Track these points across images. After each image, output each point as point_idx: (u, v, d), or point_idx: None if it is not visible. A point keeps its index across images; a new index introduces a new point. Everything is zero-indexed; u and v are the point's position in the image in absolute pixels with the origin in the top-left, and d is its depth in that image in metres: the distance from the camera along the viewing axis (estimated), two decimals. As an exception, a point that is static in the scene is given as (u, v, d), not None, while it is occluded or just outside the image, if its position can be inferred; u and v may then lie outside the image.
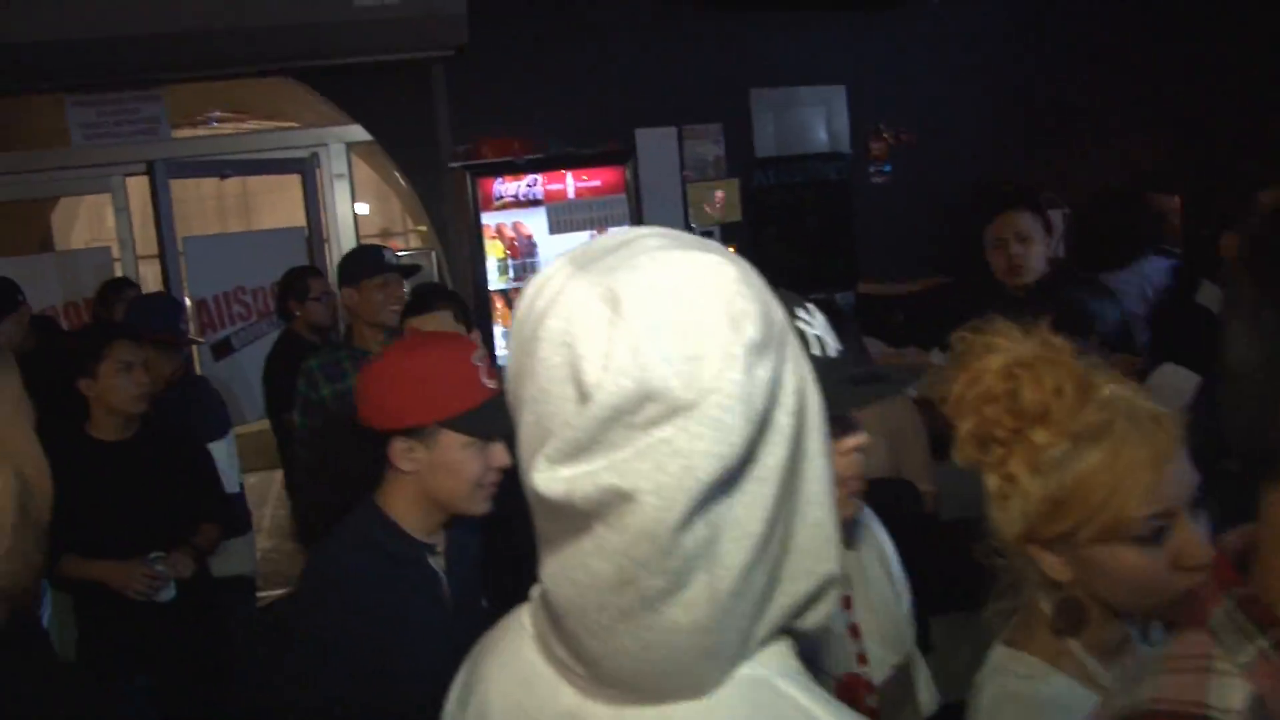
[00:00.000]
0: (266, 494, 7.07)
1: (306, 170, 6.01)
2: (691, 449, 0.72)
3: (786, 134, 6.47)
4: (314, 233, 6.06)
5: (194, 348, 5.87)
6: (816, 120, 6.53)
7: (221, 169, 5.98)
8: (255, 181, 7.97)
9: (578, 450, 0.74)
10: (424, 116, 5.89)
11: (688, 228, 6.28)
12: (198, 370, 5.75)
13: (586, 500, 0.74)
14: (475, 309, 5.48)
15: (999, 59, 6.55)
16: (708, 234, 6.34)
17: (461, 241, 5.75)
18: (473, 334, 2.84)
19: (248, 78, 5.87)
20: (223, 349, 6.07)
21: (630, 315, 0.73)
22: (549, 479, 0.75)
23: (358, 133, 5.98)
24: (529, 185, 5.51)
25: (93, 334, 3.90)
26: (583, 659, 0.81)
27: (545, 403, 0.77)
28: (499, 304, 5.56)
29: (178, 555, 3.19)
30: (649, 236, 0.83)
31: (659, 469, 0.72)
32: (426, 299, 3.16)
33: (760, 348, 0.74)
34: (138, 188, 5.99)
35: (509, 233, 5.58)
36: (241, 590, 4.16)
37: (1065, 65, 6.60)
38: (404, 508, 1.75)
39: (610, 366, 0.72)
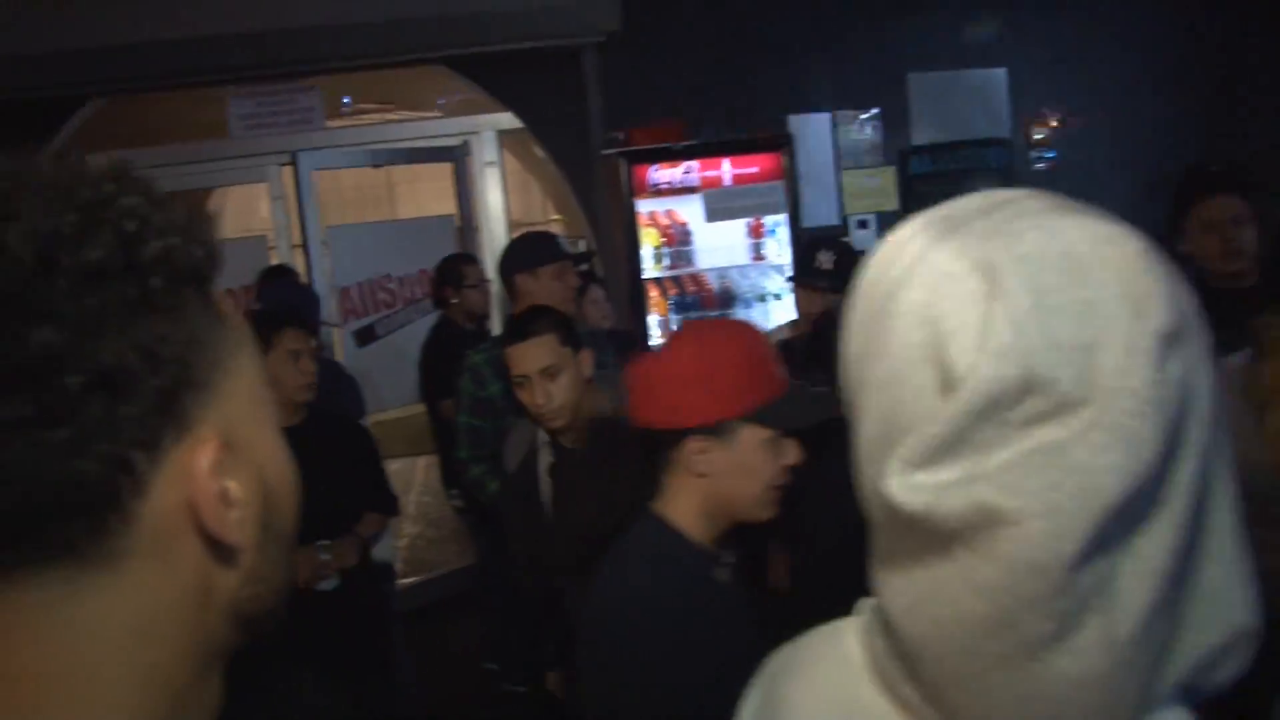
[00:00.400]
0: (411, 480, 7.12)
1: (458, 158, 5.99)
2: (1094, 463, 0.58)
3: (944, 119, 6.21)
4: (465, 221, 6.04)
5: (338, 335, 5.92)
6: (975, 105, 6.25)
7: (374, 158, 6.01)
8: (396, 171, 8.04)
9: (941, 451, 0.62)
10: (575, 103, 5.82)
11: (842, 217, 6.11)
12: (339, 357, 5.80)
13: (954, 519, 0.62)
14: (629, 298, 5.39)
15: (1179, 32, 6.18)
16: (862, 224, 6.15)
17: (613, 230, 5.66)
18: (581, 356, 2.66)
19: (400, 67, 5.89)
20: (366, 336, 6.12)
21: (1011, 290, 0.61)
22: (907, 487, 0.63)
23: (506, 121, 5.94)
24: (685, 172, 5.38)
25: (260, 322, 3.92)
26: (941, 707, 0.67)
27: (897, 388, 0.65)
28: (653, 292, 5.45)
29: (343, 544, 3.16)
30: (1028, 199, 0.69)
31: (1052, 486, 0.59)
32: (526, 325, 2.74)
33: (1171, 339, 0.60)
34: (293, 178, 6.06)
35: (663, 220, 5.46)
36: (381, 577, 4.14)
37: (1259, 38, 6.18)
38: (690, 518, 1.59)
39: (987, 348, 0.60)
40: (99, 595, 0.58)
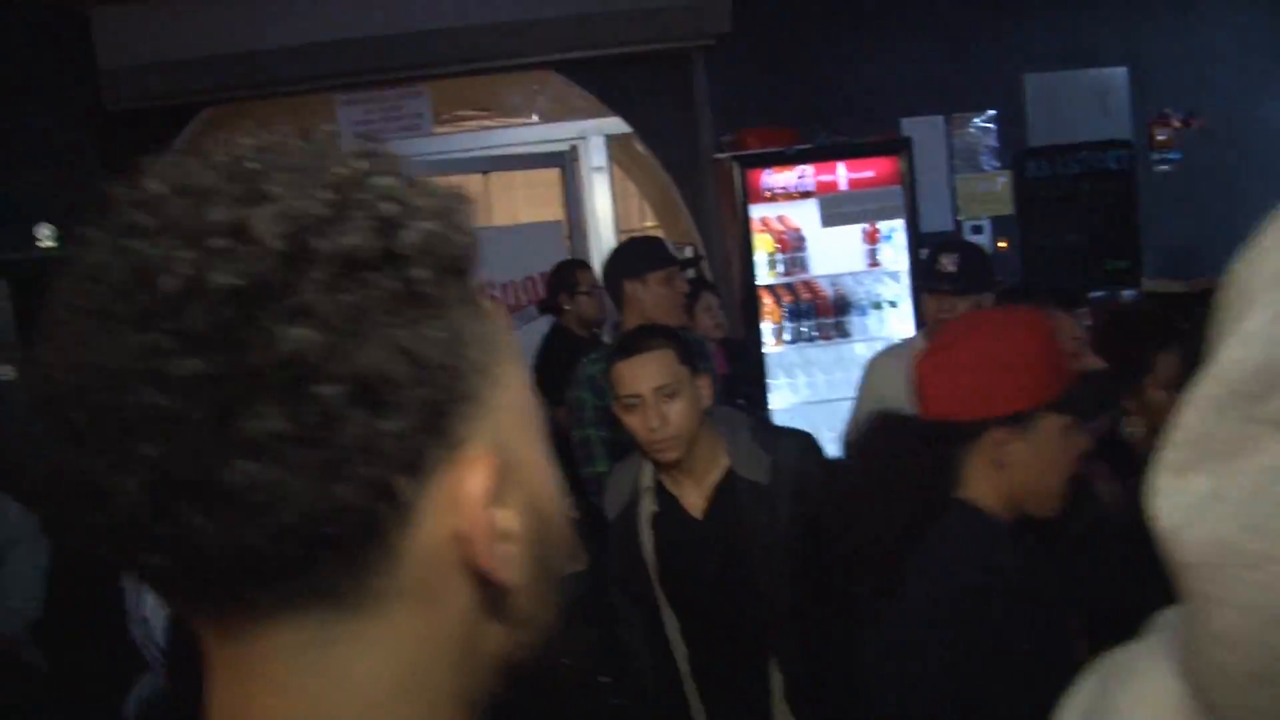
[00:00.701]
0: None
1: (566, 164, 5.95)
2: None
3: (1062, 121, 6.02)
4: (573, 226, 6.00)
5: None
6: (1094, 106, 6.05)
7: (478, 165, 6.00)
8: (491, 178, 8.04)
9: (1188, 451, 0.53)
10: (684, 107, 5.75)
11: (955, 222, 5.95)
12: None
13: (1193, 551, 0.52)
14: (741, 305, 5.29)
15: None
16: (976, 229, 5.98)
17: (724, 235, 5.57)
18: (700, 381, 2.35)
19: (509, 72, 5.87)
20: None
21: None
22: (1162, 498, 0.54)
23: (610, 125, 5.88)
24: (799, 176, 5.27)
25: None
26: None
27: None
28: (766, 299, 5.34)
29: None
30: None
31: None
32: (639, 338, 2.47)
33: None
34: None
35: (776, 226, 5.36)
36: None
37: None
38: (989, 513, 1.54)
39: (1238, 329, 0.52)
40: (354, 642, 0.51)
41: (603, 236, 5.91)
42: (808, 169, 5.27)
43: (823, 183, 5.31)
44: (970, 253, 3.42)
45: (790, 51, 5.73)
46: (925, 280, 3.64)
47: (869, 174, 5.34)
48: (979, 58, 5.92)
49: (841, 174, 5.31)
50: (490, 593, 0.54)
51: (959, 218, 5.95)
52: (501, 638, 0.56)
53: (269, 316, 0.45)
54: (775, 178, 5.28)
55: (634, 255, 3.57)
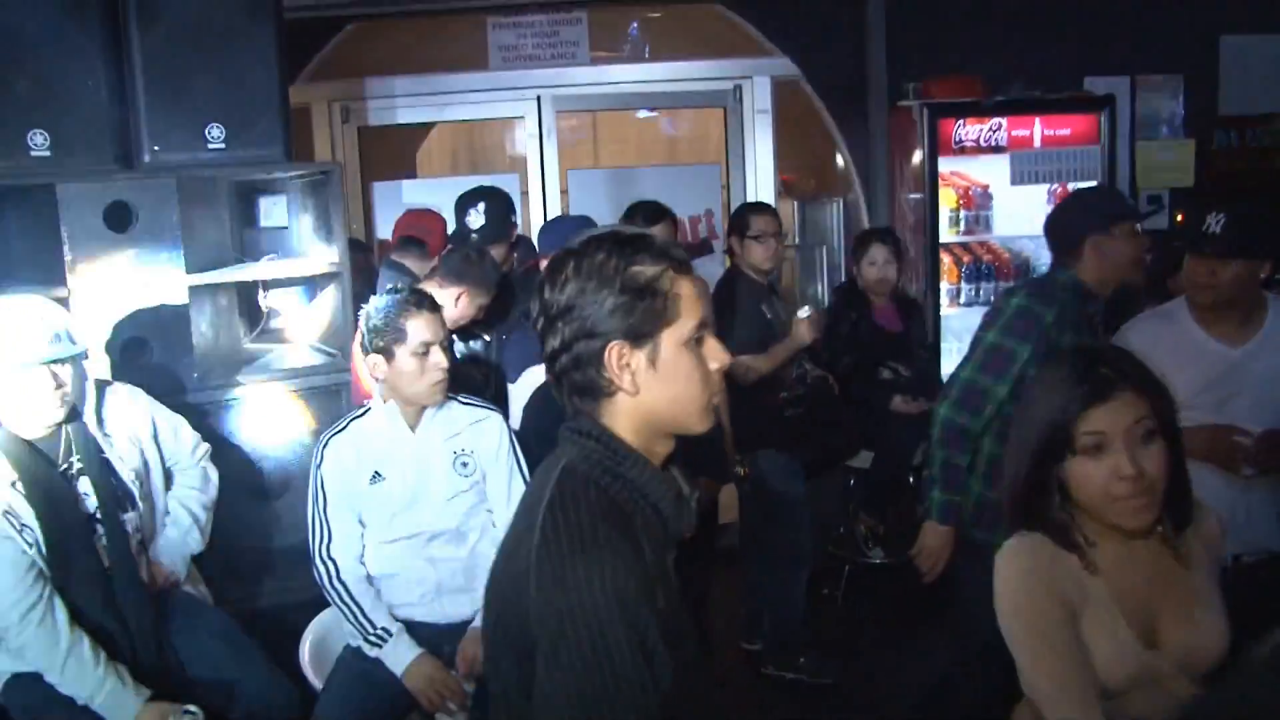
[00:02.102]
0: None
1: (729, 104, 5.62)
2: None
3: (1257, 89, 5.63)
4: (731, 171, 5.69)
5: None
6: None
7: (640, 101, 5.70)
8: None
9: None
10: (854, 52, 5.41)
11: (1133, 191, 5.59)
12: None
13: None
14: (923, 264, 4.99)
15: None
16: (1153, 199, 5.62)
17: (892, 189, 5.25)
18: None
19: (673, 3, 5.55)
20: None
21: None
22: None
23: (780, 67, 5.55)
24: (992, 130, 4.93)
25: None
26: None
27: None
28: (945, 259, 5.03)
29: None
30: None
31: None
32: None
33: None
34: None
35: (959, 181, 5.03)
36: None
37: None
38: None
39: None
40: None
41: (760, 182, 5.58)
42: (1002, 122, 4.94)
43: (1016, 138, 4.98)
44: (1242, 212, 3.06)
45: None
46: (1189, 242, 3.27)
47: (1065, 131, 4.99)
48: (1172, 15, 5.53)
49: (1037, 130, 4.97)
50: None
51: (1138, 186, 5.59)
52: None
53: None
54: (965, 130, 4.95)
55: (1096, 206, 3.13)
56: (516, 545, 1.35)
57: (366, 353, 2.66)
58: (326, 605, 2.82)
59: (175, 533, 2.80)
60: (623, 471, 1.36)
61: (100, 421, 2.63)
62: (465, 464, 2.73)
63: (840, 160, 5.94)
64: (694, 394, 1.39)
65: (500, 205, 4.03)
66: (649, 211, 3.94)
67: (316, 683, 2.73)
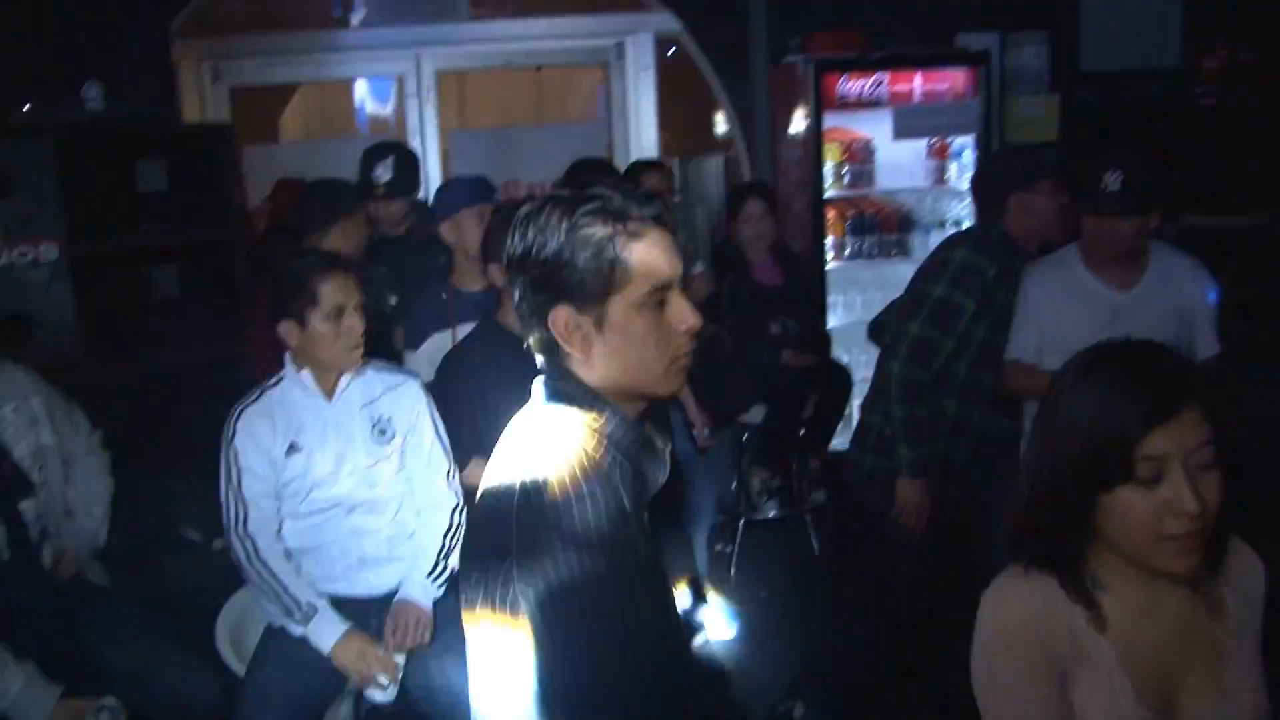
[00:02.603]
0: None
1: (610, 62, 5.56)
2: None
3: (1116, 43, 5.85)
4: (613, 129, 5.65)
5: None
6: (1152, 32, 5.89)
7: (520, 58, 5.58)
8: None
9: None
10: (737, 7, 5.41)
11: (1002, 143, 5.76)
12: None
13: None
14: (809, 219, 5.05)
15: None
16: (1019, 151, 5.81)
17: (774, 144, 5.29)
18: None
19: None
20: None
21: None
22: None
23: (662, 23, 5.51)
24: (875, 84, 5.01)
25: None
26: None
27: None
28: (830, 213, 5.10)
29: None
30: None
31: None
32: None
33: None
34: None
35: (844, 136, 5.10)
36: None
37: None
38: None
39: None
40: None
41: (643, 142, 5.56)
42: (883, 77, 5.02)
43: (896, 93, 5.08)
44: (1138, 166, 3.15)
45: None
46: (1085, 198, 3.33)
47: (944, 86, 5.12)
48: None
49: (918, 85, 5.08)
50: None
51: (1006, 139, 5.77)
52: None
53: None
54: (849, 86, 5.01)
55: (1020, 164, 3.30)
56: (495, 502, 1.32)
57: (276, 320, 2.54)
58: (239, 585, 2.72)
59: (90, 523, 2.66)
60: (597, 427, 1.34)
61: (-14, 402, 2.46)
62: (383, 431, 2.65)
63: (722, 117, 5.95)
64: (649, 358, 1.35)
65: (409, 160, 3.92)
66: (596, 168, 3.90)
67: (237, 667, 2.62)
